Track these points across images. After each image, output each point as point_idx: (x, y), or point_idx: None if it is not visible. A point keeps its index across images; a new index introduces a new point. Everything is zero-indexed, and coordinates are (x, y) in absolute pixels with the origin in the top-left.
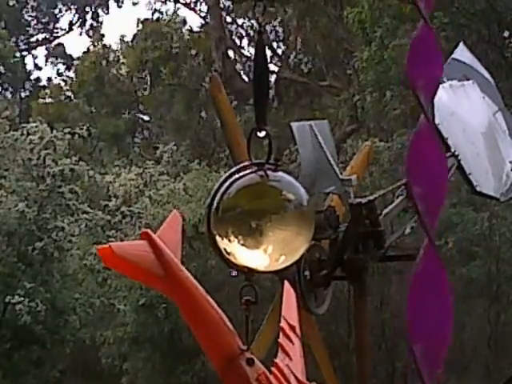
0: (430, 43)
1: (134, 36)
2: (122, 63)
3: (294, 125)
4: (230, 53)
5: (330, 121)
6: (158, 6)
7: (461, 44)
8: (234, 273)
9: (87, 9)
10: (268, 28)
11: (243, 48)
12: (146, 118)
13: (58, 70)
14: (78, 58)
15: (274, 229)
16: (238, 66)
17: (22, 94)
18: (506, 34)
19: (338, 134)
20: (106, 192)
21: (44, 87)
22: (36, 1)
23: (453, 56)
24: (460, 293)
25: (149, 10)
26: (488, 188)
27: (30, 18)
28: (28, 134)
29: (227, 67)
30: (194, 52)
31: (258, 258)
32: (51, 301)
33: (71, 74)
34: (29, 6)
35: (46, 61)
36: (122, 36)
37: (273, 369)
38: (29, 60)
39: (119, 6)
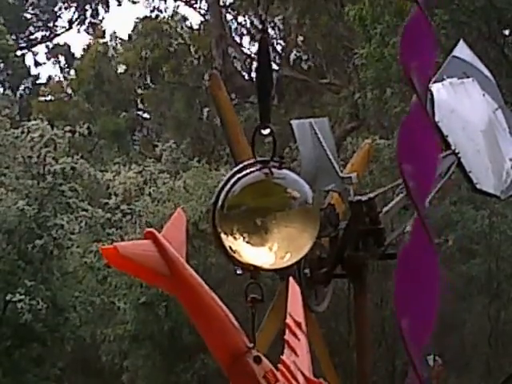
0: (423, 26)
1: (134, 34)
2: (122, 61)
3: (294, 122)
4: (231, 50)
5: (330, 118)
6: (157, 3)
7: (461, 41)
8: (239, 271)
9: (87, 6)
10: (268, 25)
11: (243, 46)
12: (146, 115)
13: (57, 67)
14: (78, 56)
15: (279, 226)
16: (239, 64)
17: (22, 92)
18: (507, 31)
19: (339, 132)
20: (106, 190)
21: (44, 84)
22: None
23: (453, 53)
24: (460, 291)
25: (148, 8)
26: (488, 186)
27: (29, 16)
28: (28, 132)
29: (227, 65)
30: (194, 50)
31: (264, 255)
32: (51, 299)
33: (71, 71)
34: (28, 4)
35: (46, 58)
36: (122, 34)
37: (279, 366)
38: (29, 58)
39: (119, 4)
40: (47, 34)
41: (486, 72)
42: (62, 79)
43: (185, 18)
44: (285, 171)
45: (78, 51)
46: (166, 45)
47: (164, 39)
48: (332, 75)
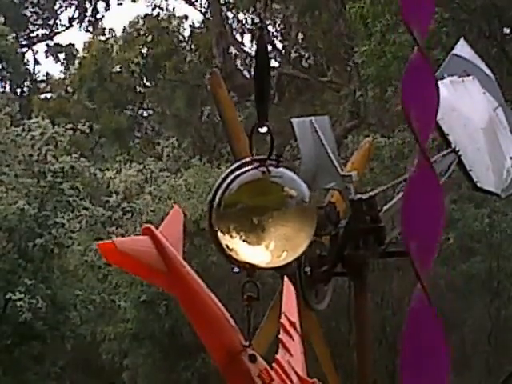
0: (424, 71)
1: (135, 32)
2: (123, 59)
3: (295, 121)
4: (231, 48)
5: (331, 116)
6: (158, 1)
7: (461, 40)
8: (236, 269)
9: (87, 4)
10: (269, 23)
11: (244, 44)
12: (146, 113)
13: (58, 65)
14: (79, 54)
15: (275, 225)
16: (239, 62)
17: (23, 90)
18: (507, 29)
19: (339, 130)
20: (106, 188)
21: (45, 82)
22: None
23: (453, 52)
24: (461, 289)
25: (149, 6)
26: (489, 184)
27: (30, 14)
28: (29, 130)
29: (228, 63)
30: (194, 48)
31: (260, 254)
32: (52, 297)
33: (72, 69)
34: (29, 2)
35: (47, 56)
36: (123, 31)
37: (274, 365)
38: (29, 55)
39: (119, 4)
40: (47, 32)
41: (487, 70)
42: (62, 77)
43: (185, 16)
44: (282, 170)
45: (78, 49)
46: (167, 43)
47: (165, 37)
48: (332, 73)
